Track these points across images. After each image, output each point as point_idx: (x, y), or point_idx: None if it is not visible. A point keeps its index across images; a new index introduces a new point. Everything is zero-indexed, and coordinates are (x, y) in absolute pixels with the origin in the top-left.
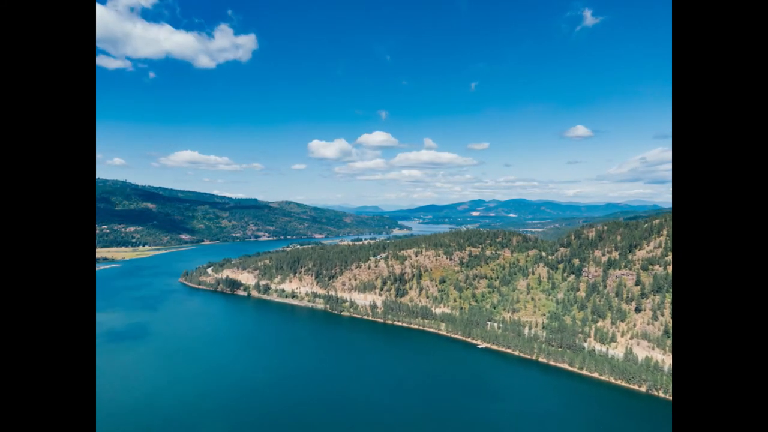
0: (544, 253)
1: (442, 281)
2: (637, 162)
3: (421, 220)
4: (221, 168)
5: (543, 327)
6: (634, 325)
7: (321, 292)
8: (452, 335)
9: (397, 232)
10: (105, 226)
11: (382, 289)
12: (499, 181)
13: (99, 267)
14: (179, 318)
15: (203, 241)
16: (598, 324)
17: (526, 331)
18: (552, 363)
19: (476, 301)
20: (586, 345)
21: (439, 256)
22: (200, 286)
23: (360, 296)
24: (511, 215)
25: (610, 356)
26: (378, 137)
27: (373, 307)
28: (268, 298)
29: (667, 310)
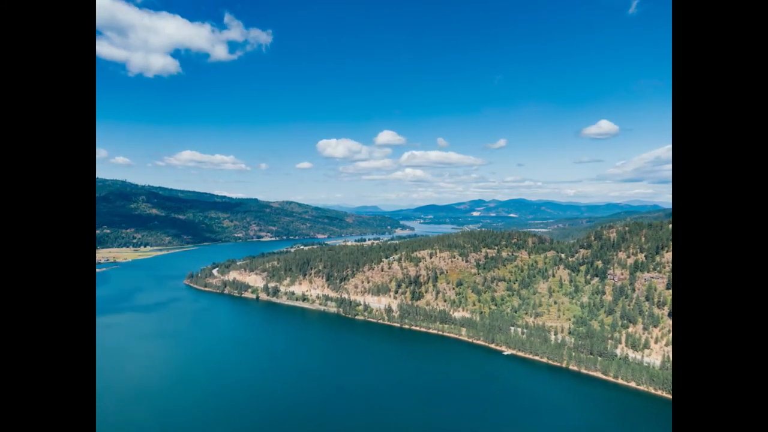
0: (563, 255)
1: (459, 284)
2: (643, 161)
3: (422, 220)
4: (227, 167)
5: (569, 332)
6: (669, 331)
7: (333, 294)
8: (474, 341)
9: (399, 232)
10: (105, 226)
11: (396, 292)
12: (507, 181)
13: (100, 269)
14: (189, 323)
15: (205, 241)
16: (629, 329)
17: (552, 336)
18: (584, 371)
19: (495, 304)
20: (618, 352)
21: (454, 257)
22: (206, 289)
23: (374, 299)
24: (511, 215)
25: (645, 364)
26: (387, 136)
27: (389, 310)
28: (278, 301)
29: None
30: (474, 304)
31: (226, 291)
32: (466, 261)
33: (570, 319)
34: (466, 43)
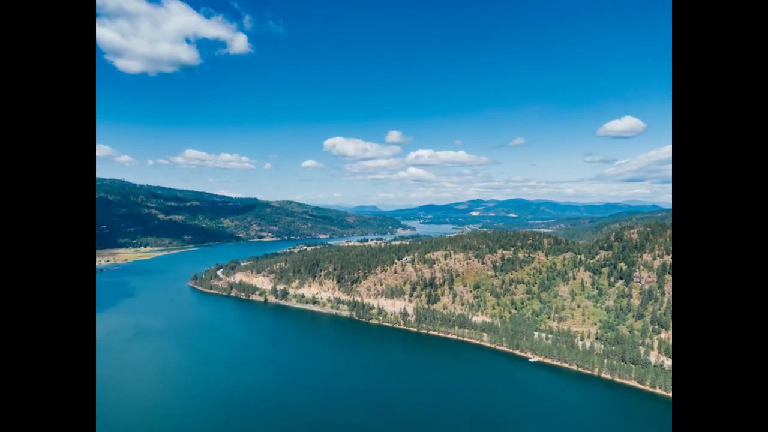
0: (581, 257)
1: (477, 287)
2: (650, 159)
3: (422, 220)
4: (232, 165)
5: (597, 338)
6: None
7: (344, 297)
8: (497, 347)
9: (401, 232)
10: (104, 227)
11: (411, 295)
12: (513, 180)
13: (100, 272)
14: (197, 327)
15: (205, 241)
16: (661, 335)
17: (579, 342)
18: (617, 379)
19: (515, 308)
20: (652, 359)
21: (469, 259)
22: (212, 291)
23: (388, 302)
24: (511, 215)
25: None
26: (395, 136)
27: (404, 314)
28: (287, 303)
29: None
30: (493, 308)
31: (232, 293)
32: (482, 263)
33: (596, 324)
34: (485, 39)
